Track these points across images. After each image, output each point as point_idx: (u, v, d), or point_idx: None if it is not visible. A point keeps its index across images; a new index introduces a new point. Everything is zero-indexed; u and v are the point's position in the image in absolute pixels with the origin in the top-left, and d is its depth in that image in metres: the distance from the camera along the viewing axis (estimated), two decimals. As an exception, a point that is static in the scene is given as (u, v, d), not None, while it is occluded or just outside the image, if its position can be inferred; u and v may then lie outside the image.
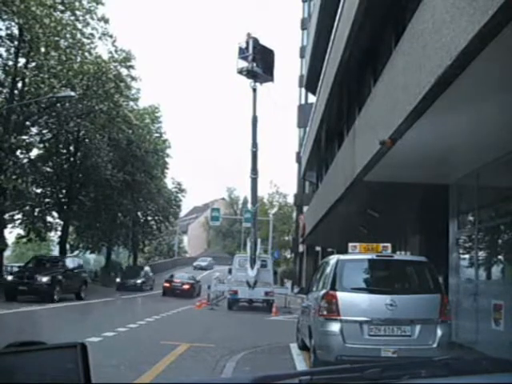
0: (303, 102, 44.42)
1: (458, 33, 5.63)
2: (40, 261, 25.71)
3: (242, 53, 24.67)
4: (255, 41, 24.58)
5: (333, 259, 9.75)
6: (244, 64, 24.73)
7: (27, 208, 33.46)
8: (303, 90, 42.52)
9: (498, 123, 7.69)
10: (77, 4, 29.34)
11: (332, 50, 17.38)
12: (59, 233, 37.16)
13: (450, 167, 11.02)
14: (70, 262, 25.98)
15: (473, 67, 5.80)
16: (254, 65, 24.41)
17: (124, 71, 32.68)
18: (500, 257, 10.82)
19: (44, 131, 33.58)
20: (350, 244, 9.56)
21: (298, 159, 42.77)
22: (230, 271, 27.19)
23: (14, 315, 17.04)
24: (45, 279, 21.90)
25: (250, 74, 24.70)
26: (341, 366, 1.90)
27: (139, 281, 36.83)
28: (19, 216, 34.20)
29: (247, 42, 24.52)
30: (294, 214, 51.96)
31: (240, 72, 24.85)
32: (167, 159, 48.91)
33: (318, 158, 27.67)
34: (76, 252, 45.67)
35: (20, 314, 17.49)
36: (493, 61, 5.72)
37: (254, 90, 25.07)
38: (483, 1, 4.97)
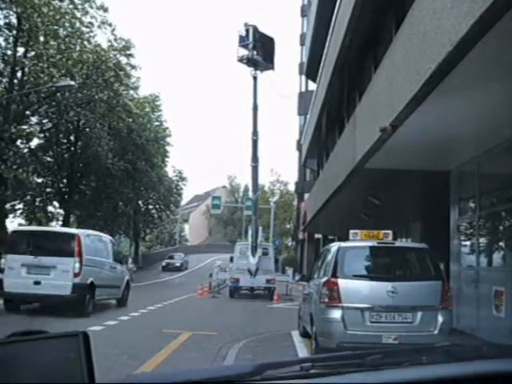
0: (303, 89, 44.26)
1: (458, 19, 5.60)
2: None
3: (242, 41, 24.59)
4: (255, 29, 24.49)
5: (334, 246, 9.77)
6: (244, 52, 24.67)
7: (28, 198, 33.54)
8: (303, 77, 42.37)
9: (499, 110, 7.67)
10: (75, -8, 29.22)
11: (332, 36, 17.30)
12: (60, 222, 37.23)
13: (451, 154, 11.00)
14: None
15: (473, 54, 5.77)
16: (255, 53, 24.34)
17: (123, 60, 32.62)
18: (501, 243, 10.83)
19: (44, 121, 33.58)
20: (351, 231, 9.57)
21: (299, 147, 42.71)
22: (231, 259, 27.28)
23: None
24: None
25: (250, 62, 24.64)
26: (342, 353, 1.91)
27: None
28: (20, 206, 34.30)
29: (247, 30, 24.43)
30: (295, 202, 51.98)
31: (240, 60, 24.79)
32: (168, 147, 48.95)
33: (318, 146, 27.65)
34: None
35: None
36: (494, 47, 5.69)
37: (255, 78, 25.02)
38: (484, -14, 4.94)
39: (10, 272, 14.08)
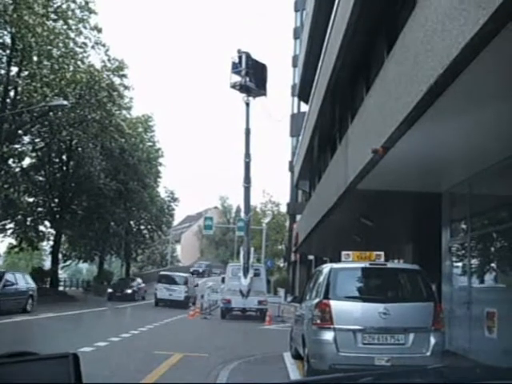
0: (296, 111, 44.50)
1: (449, 42, 5.67)
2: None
3: (235, 67, 24.83)
4: (248, 56, 24.74)
5: (326, 268, 9.75)
6: (237, 79, 24.91)
7: (19, 217, 33.33)
8: (296, 99, 42.62)
9: (490, 132, 7.73)
10: (69, 13, 29.36)
11: (324, 58, 17.45)
12: (51, 242, 37.01)
13: (443, 176, 11.06)
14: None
15: (464, 76, 5.83)
16: (247, 79, 24.56)
17: (117, 80, 32.74)
18: (493, 264, 10.84)
19: (36, 140, 33.52)
20: (343, 252, 9.56)
21: (291, 168, 42.81)
22: (223, 280, 27.18)
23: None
24: None
25: (243, 88, 24.89)
26: (334, 375, 1.90)
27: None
28: (11, 225, 34.08)
29: (240, 57, 24.68)
30: (287, 223, 51.95)
31: (233, 87, 25.06)
32: (160, 168, 48.98)
33: (310, 167, 27.72)
34: (68, 261, 45.45)
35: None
36: (484, 70, 5.75)
37: (247, 104, 25.24)
38: (474, 10, 5.01)
39: (159, 290, 32.99)
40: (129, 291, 37.11)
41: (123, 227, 44.68)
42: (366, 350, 8.24)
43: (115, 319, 22.66)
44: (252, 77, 24.63)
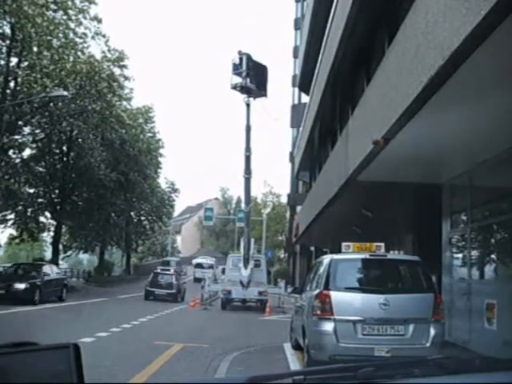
0: (296, 101, 44.39)
1: (450, 33, 5.65)
2: None
3: (236, 69, 24.78)
4: (248, 57, 24.70)
5: (326, 259, 9.76)
6: (238, 80, 24.87)
7: (20, 208, 33.37)
8: (296, 89, 42.52)
9: (491, 123, 7.71)
10: (69, 3, 29.22)
11: (325, 49, 17.39)
12: (52, 233, 37.04)
13: (443, 167, 11.05)
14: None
15: (465, 67, 5.81)
16: (248, 81, 24.53)
17: (117, 71, 32.65)
18: (493, 256, 10.85)
19: (37, 131, 33.47)
20: (344, 243, 9.57)
21: (292, 159, 42.77)
22: (223, 271, 27.20)
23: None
24: None
25: (243, 89, 24.85)
26: (334, 366, 1.91)
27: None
28: (12, 216, 34.11)
29: (241, 59, 24.62)
30: (288, 214, 51.96)
31: (234, 88, 25.02)
32: (160, 159, 48.96)
33: (311, 158, 27.71)
34: (69, 252, 45.53)
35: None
36: (485, 61, 5.73)
37: (248, 105, 25.24)
38: (476, 1, 4.99)
39: (197, 272, 49.42)
40: (20, 287, 21.51)
41: (124, 218, 44.76)
42: (365, 341, 8.26)
43: (116, 309, 22.69)
44: (253, 78, 24.59)
